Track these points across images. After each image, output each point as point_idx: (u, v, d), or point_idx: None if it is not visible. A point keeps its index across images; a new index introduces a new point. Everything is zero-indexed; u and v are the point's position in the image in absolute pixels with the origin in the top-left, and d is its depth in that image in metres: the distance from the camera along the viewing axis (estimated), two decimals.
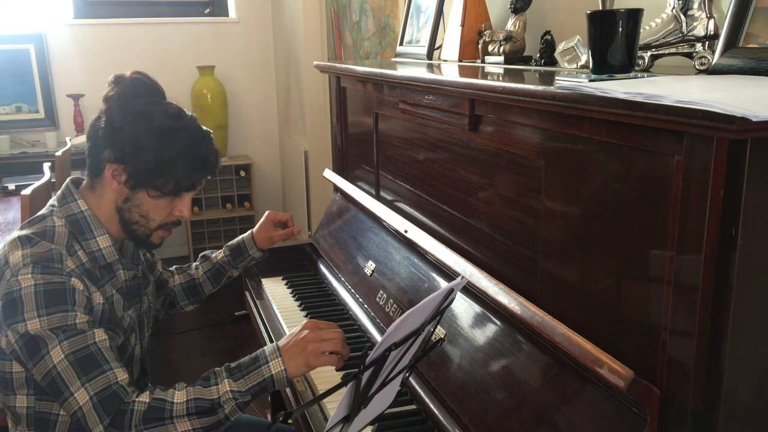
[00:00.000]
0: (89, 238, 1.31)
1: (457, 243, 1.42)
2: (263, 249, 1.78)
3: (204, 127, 1.36)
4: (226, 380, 1.21)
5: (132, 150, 1.27)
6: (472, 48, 1.76)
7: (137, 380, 1.46)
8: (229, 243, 1.78)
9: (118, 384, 1.18)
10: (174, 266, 1.75)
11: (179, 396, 1.19)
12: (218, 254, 1.76)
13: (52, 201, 1.34)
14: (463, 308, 1.31)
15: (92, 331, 1.21)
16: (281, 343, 1.26)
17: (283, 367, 1.22)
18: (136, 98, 1.30)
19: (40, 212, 1.33)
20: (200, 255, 1.78)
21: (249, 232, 1.79)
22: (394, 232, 1.70)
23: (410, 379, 1.33)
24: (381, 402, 1.04)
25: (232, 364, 1.25)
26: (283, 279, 2.03)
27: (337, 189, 2.15)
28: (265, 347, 1.27)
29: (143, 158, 1.27)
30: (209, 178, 1.39)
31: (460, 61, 1.76)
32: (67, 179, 1.37)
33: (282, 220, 1.81)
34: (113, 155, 1.28)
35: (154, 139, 1.27)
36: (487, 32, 1.66)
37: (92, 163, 1.32)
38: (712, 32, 1.11)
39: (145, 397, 1.18)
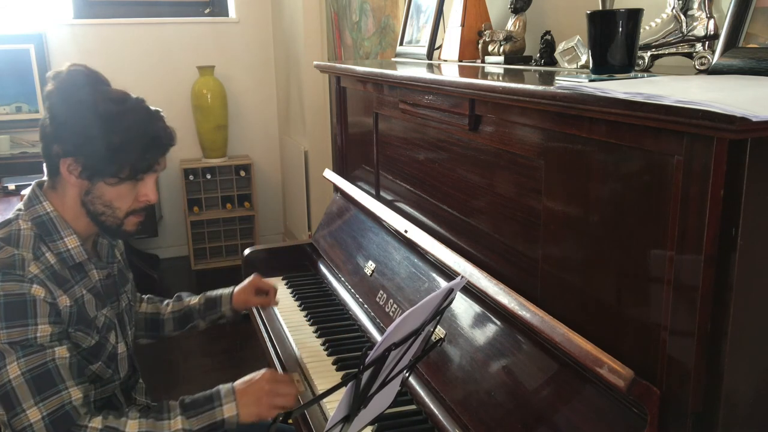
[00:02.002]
0: (57, 239, 1.30)
1: (457, 243, 1.42)
2: (236, 310, 1.71)
3: (153, 107, 1.34)
4: (179, 417, 1.24)
5: (81, 140, 1.26)
6: (472, 48, 1.76)
7: (127, 378, 1.46)
8: (208, 292, 1.72)
9: (71, 404, 1.19)
10: (147, 295, 1.71)
11: (131, 426, 1.20)
12: (192, 299, 1.70)
13: (19, 205, 1.34)
14: (463, 308, 1.31)
15: (52, 348, 1.21)
16: (239, 386, 1.30)
17: (236, 412, 1.26)
18: (76, 89, 1.29)
19: (7, 217, 1.32)
20: (176, 294, 1.73)
21: (231, 288, 1.72)
22: (394, 232, 1.70)
23: (410, 379, 1.33)
24: (381, 402, 1.04)
25: (187, 399, 1.27)
26: (283, 279, 2.03)
27: (337, 189, 2.15)
28: (221, 387, 1.30)
29: (93, 147, 1.26)
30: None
31: (460, 61, 1.76)
32: (33, 182, 1.36)
33: (263, 289, 1.74)
34: (63, 149, 1.27)
35: (100, 126, 1.26)
36: (487, 32, 1.66)
37: (48, 162, 1.32)
38: (712, 32, 1.11)
39: (97, 423, 1.19)
